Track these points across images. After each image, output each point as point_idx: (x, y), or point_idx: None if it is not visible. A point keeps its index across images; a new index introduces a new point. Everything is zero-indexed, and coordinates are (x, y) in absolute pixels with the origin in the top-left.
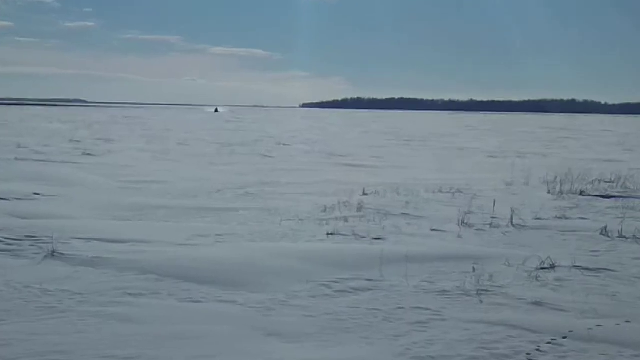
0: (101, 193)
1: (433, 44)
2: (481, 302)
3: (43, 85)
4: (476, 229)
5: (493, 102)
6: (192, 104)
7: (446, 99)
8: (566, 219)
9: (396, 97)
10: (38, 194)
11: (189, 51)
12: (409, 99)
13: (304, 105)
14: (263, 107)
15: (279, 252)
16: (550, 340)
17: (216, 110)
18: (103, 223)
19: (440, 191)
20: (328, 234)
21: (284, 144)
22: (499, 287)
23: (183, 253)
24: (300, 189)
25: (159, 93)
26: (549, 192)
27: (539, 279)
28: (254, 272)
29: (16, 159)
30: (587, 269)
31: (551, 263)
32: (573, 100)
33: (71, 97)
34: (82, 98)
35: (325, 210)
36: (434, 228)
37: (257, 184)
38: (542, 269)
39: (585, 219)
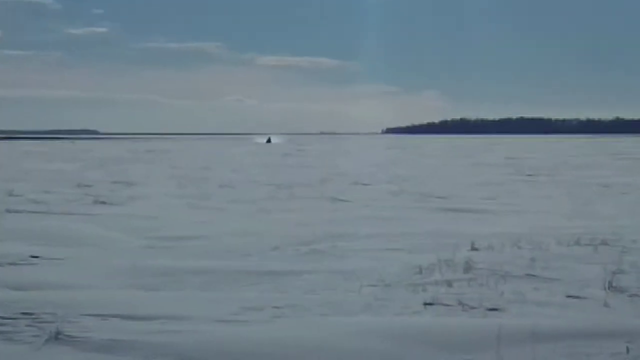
0: (120, 254)
1: (563, 46)
2: None
3: (40, 112)
4: (629, 295)
5: None
6: (237, 132)
7: (583, 117)
8: None
9: (514, 116)
10: (37, 257)
11: (232, 63)
12: (532, 118)
13: (389, 131)
14: (333, 134)
15: (360, 330)
16: None
17: (269, 141)
18: (123, 294)
19: (577, 243)
20: (425, 304)
21: (363, 184)
22: None
23: (230, 333)
24: (385, 243)
25: (192, 119)
26: None
27: None
28: (327, 358)
29: (7, 210)
30: None
31: None
32: None
33: (77, 127)
34: (91, 128)
35: (420, 272)
36: (570, 294)
37: (327, 238)
38: None
39: None
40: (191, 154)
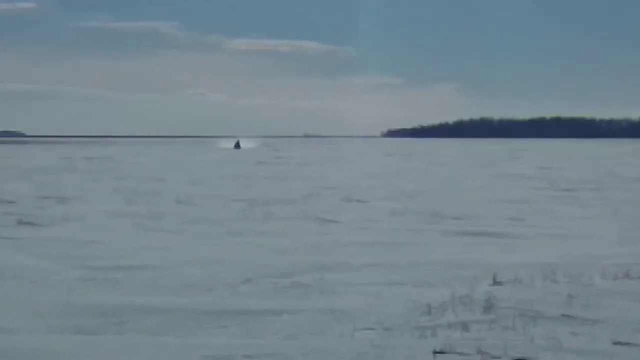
0: (50, 288)
1: (609, 31)
2: None
3: None
4: None
5: None
6: (199, 134)
7: (635, 117)
8: None
9: (548, 116)
10: None
11: (192, 47)
12: (571, 119)
13: (391, 133)
14: (320, 137)
15: None
16: None
17: (237, 145)
18: (53, 340)
19: (627, 276)
20: (435, 353)
21: (358, 200)
22: None
23: None
24: (385, 275)
25: (142, 118)
26: None
27: None
28: None
29: None
30: None
31: None
32: None
33: None
34: (15, 129)
35: (429, 312)
36: (618, 340)
37: (312, 269)
38: None
39: None
40: (141, 162)
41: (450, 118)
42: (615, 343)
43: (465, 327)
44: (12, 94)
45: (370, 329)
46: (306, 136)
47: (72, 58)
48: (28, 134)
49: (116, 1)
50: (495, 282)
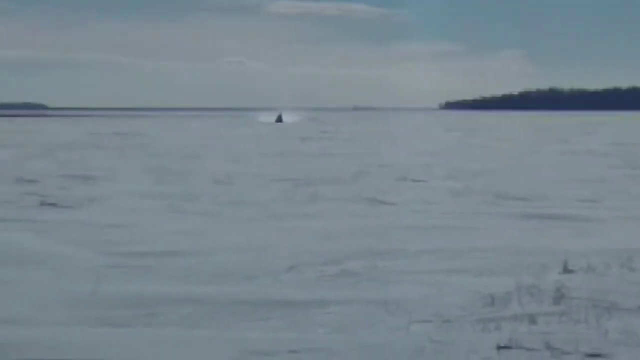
0: (75, 277)
1: None
2: None
3: None
4: None
5: None
6: (237, 106)
7: None
8: None
9: (624, 86)
10: None
11: (230, 10)
12: None
13: (449, 106)
14: (372, 109)
15: None
16: None
17: (279, 119)
18: (79, 333)
19: None
20: (500, 348)
21: (413, 180)
22: None
23: None
24: (444, 262)
25: (175, 89)
26: None
27: None
28: None
29: None
30: None
31: None
32: None
33: (17, 100)
34: (37, 101)
35: (492, 303)
36: None
37: (363, 255)
38: None
39: None
40: (174, 138)
41: (516, 88)
42: None
43: (532, 319)
44: (31, 62)
45: (428, 321)
46: (356, 109)
47: (98, 22)
48: (50, 106)
49: None
50: (566, 270)
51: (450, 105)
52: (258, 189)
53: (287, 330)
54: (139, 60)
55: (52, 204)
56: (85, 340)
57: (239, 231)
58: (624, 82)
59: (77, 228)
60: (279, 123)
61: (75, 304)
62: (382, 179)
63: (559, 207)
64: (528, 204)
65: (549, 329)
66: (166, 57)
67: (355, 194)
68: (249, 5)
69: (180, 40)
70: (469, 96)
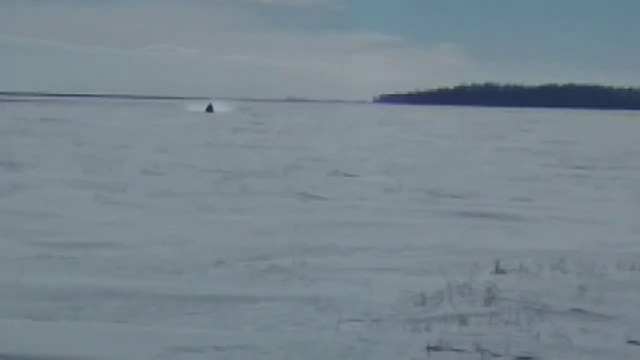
0: None
1: None
2: None
3: None
4: None
5: None
6: (167, 96)
7: None
8: None
9: (560, 83)
10: None
11: None
12: (586, 86)
13: (384, 99)
14: (305, 101)
15: None
16: None
17: (209, 109)
18: (1, 325)
19: None
20: (429, 348)
21: (346, 174)
22: None
23: None
24: (375, 260)
25: (105, 75)
26: None
27: None
28: None
29: None
30: None
31: None
32: None
33: None
34: None
35: (423, 302)
36: (633, 339)
37: (293, 251)
38: None
39: None
40: (103, 125)
41: (451, 83)
42: (630, 342)
43: (463, 320)
44: None
45: (358, 320)
46: (290, 100)
47: (25, 4)
48: None
49: None
50: (498, 270)
51: (385, 99)
52: (187, 181)
53: (214, 326)
54: (67, 45)
55: None
56: (9, 334)
57: (167, 223)
58: (560, 79)
59: (1, 217)
60: (209, 113)
61: None
62: (314, 173)
63: (492, 205)
64: (462, 201)
65: (480, 330)
66: (95, 42)
67: (287, 188)
68: None
69: (110, 25)
70: (404, 89)
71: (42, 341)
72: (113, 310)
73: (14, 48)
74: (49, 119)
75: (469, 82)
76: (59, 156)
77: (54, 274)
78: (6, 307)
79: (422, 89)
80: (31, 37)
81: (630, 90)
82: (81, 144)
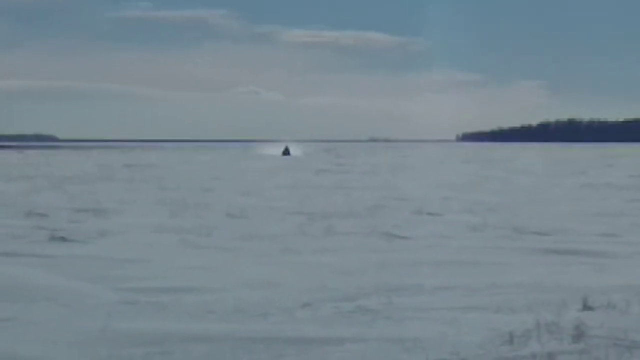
0: (85, 313)
1: None
2: None
3: None
4: None
5: None
6: (253, 139)
7: None
8: None
9: None
10: None
11: (244, 39)
12: None
13: (466, 137)
14: (388, 141)
15: None
16: None
17: (286, 152)
18: None
19: None
20: None
21: (430, 213)
22: None
23: None
24: (461, 299)
25: (188, 120)
26: None
27: None
28: None
29: None
30: None
31: None
32: None
33: (28, 132)
34: (47, 132)
35: (511, 341)
36: None
37: (379, 292)
38: None
39: None
40: (187, 170)
41: (534, 119)
42: None
43: (552, 358)
44: (43, 92)
45: None
46: (372, 140)
47: (108, 52)
48: (61, 138)
49: None
50: (586, 307)
51: (468, 137)
52: (272, 223)
53: None
54: (151, 90)
55: (63, 238)
56: None
57: (253, 266)
58: None
59: (87, 263)
60: (286, 156)
61: (86, 341)
62: (398, 212)
63: (578, 242)
64: (547, 238)
65: None
66: (178, 87)
67: (371, 228)
68: (264, 33)
69: (194, 71)
70: (487, 127)
71: None
72: (202, 355)
73: (96, 94)
74: (134, 165)
75: (552, 118)
76: (144, 201)
77: (141, 320)
78: (95, 353)
79: (504, 127)
80: (113, 82)
81: None
82: (166, 189)
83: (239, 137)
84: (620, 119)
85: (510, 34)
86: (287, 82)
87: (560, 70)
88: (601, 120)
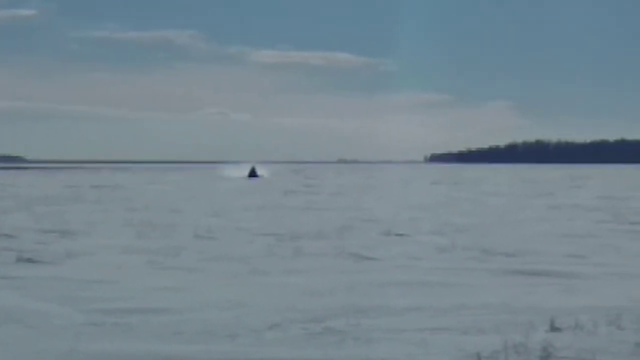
0: (52, 335)
1: None
2: None
3: None
4: None
5: None
6: (221, 160)
7: None
8: None
9: (612, 138)
10: None
11: (212, 60)
12: (636, 141)
13: (435, 158)
14: (356, 162)
15: None
16: None
17: (252, 174)
18: None
19: None
20: None
21: (398, 234)
22: None
23: None
24: (429, 320)
25: (156, 141)
26: None
27: None
28: None
29: None
30: None
31: None
32: None
33: None
34: (14, 153)
35: None
36: None
37: (347, 313)
38: None
39: None
40: (155, 191)
41: (502, 140)
42: None
43: None
44: (10, 113)
45: None
46: (341, 161)
47: (76, 72)
48: (28, 159)
49: (125, 8)
50: (553, 328)
51: (436, 158)
52: (241, 244)
53: None
54: (119, 111)
55: (30, 260)
56: None
57: (221, 287)
58: (612, 134)
59: (55, 284)
60: (253, 178)
61: None
62: (366, 233)
63: (546, 263)
64: (515, 259)
65: None
66: (146, 108)
67: (340, 249)
68: (232, 54)
69: (162, 92)
70: (455, 148)
71: None
72: None
73: (64, 115)
74: (102, 186)
75: (519, 140)
76: (112, 222)
77: (108, 341)
78: None
79: (473, 148)
80: (80, 104)
81: None
82: (134, 210)
83: (207, 158)
84: (588, 141)
85: (479, 55)
86: (256, 103)
87: (528, 92)
88: (569, 141)
